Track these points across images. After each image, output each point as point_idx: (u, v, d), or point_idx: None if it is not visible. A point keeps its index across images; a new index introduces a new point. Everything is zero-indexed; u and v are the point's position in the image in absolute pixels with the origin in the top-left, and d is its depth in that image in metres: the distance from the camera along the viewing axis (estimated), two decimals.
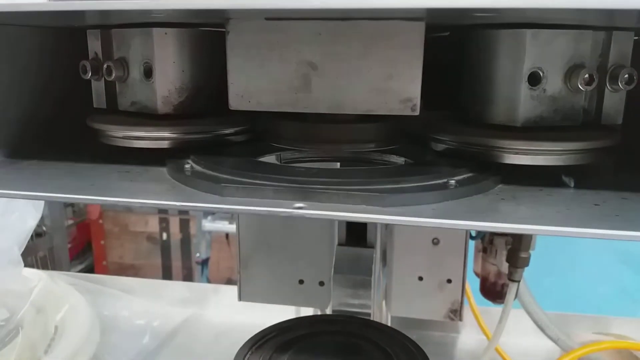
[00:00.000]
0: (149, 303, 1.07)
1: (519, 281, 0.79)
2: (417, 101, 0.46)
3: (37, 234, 2.76)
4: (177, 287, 1.16)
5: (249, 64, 0.48)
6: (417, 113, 0.46)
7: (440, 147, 0.51)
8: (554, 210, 0.41)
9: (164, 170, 0.50)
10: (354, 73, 0.46)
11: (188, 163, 0.48)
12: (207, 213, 2.74)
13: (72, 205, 3.15)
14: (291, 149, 0.53)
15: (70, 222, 3.12)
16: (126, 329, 1.01)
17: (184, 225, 3.03)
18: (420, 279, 0.86)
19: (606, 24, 0.47)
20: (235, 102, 0.49)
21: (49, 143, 0.61)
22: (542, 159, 0.46)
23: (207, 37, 0.55)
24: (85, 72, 0.56)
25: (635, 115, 0.52)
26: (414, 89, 0.46)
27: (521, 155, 0.46)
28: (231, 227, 2.59)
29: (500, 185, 0.47)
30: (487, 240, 0.88)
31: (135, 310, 1.05)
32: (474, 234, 0.91)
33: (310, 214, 0.39)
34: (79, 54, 0.58)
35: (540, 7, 0.33)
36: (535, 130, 0.48)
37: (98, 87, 0.58)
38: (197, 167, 0.47)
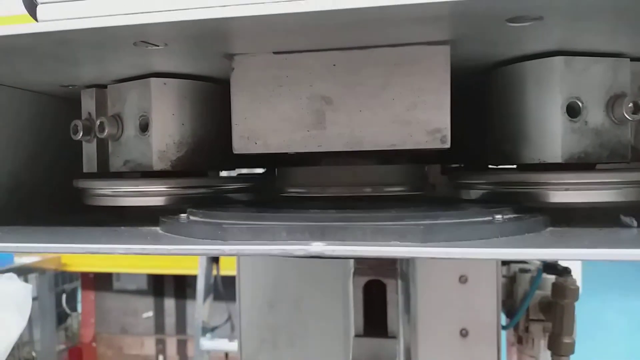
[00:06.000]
0: None
1: None
2: (447, 132, 0.40)
3: None
4: None
5: (256, 103, 0.43)
6: (447, 145, 0.40)
7: (473, 193, 0.45)
8: (627, 242, 0.34)
9: (157, 228, 0.43)
10: (374, 105, 0.41)
11: (184, 214, 0.41)
12: (206, 330, 2.57)
13: (65, 329, 2.99)
14: (306, 196, 0.46)
15: (62, 347, 2.93)
16: None
17: (182, 346, 2.85)
18: None
19: None
20: (240, 145, 0.43)
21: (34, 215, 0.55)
22: (597, 194, 0.40)
23: (211, 89, 0.51)
24: (76, 132, 0.51)
25: None
26: (442, 118, 0.40)
27: (572, 191, 0.40)
28: (231, 345, 2.41)
29: (550, 228, 0.40)
30: (521, 329, 0.79)
31: None
32: (504, 323, 0.81)
33: (332, 252, 0.31)
34: (62, 124, 0.54)
35: None
36: (580, 167, 0.42)
37: (89, 150, 0.53)
38: (194, 217, 0.40)
